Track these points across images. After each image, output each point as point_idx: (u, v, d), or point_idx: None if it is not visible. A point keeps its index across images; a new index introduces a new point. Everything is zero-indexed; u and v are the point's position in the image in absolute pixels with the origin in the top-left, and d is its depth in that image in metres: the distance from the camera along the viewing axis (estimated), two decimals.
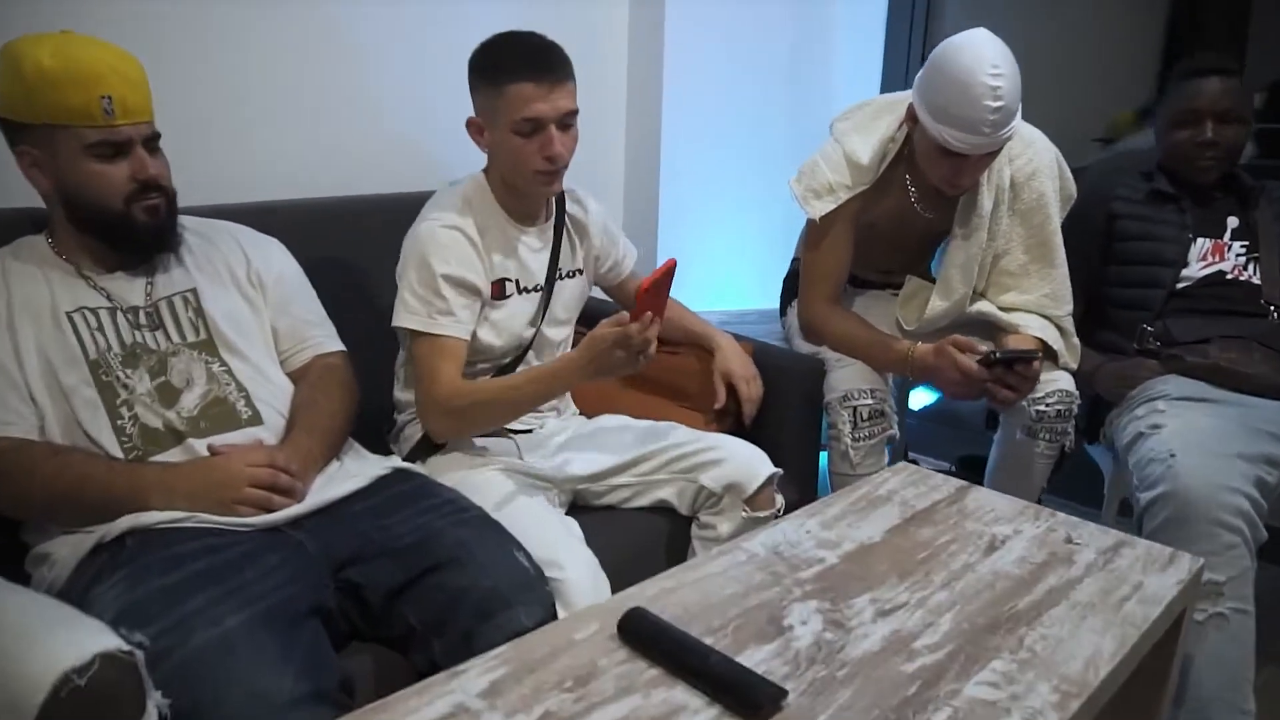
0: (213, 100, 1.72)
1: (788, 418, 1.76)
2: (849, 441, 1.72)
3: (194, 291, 1.34)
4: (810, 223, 1.75)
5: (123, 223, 1.23)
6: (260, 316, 1.39)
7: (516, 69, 1.33)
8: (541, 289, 1.53)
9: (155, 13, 1.62)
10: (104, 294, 1.28)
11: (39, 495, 1.15)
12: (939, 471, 1.39)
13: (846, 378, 1.72)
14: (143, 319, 1.29)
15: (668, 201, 2.45)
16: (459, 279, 1.40)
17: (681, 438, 1.52)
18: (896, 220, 1.80)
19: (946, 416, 2.80)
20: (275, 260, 1.44)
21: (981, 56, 1.47)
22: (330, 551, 1.17)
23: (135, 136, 1.22)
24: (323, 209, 1.75)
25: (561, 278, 1.57)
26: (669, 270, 1.25)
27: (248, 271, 1.40)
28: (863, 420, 1.72)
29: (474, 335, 1.45)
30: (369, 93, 1.91)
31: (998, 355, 1.58)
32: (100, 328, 1.26)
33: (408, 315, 1.40)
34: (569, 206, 1.59)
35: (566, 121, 1.38)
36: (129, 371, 1.25)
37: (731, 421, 1.72)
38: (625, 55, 2.38)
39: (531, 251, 1.52)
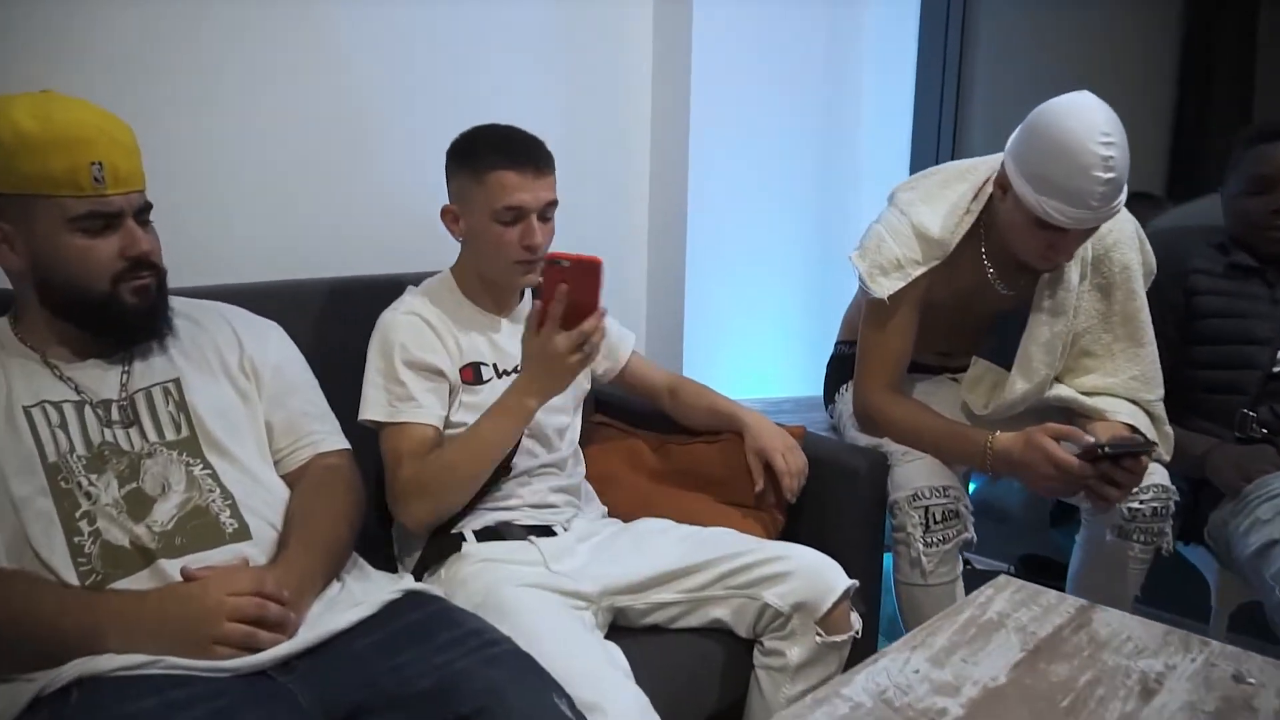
0: (206, 171, 1.58)
1: (845, 519, 1.56)
2: (920, 547, 1.51)
3: (177, 382, 1.15)
4: (872, 303, 1.58)
5: (108, 306, 1.07)
6: (253, 410, 1.20)
7: (499, 157, 1.32)
8: (519, 371, 1.39)
9: (141, 76, 1.48)
10: (71, 385, 1.10)
11: None
12: (996, 572, 1.18)
13: (915, 473, 1.52)
14: (115, 414, 1.10)
15: (694, 279, 2.29)
16: (419, 362, 1.34)
17: (738, 545, 1.32)
18: (966, 297, 1.63)
19: (992, 509, 2.59)
20: (273, 346, 1.26)
21: (1091, 123, 1.33)
22: (328, 702, 0.95)
23: (126, 208, 1.07)
24: (326, 290, 1.58)
25: None
26: (594, 266, 1.18)
27: (240, 358, 1.21)
28: (935, 522, 1.51)
29: (456, 422, 1.35)
30: (374, 168, 1.78)
31: (1107, 449, 1.38)
32: (63, 424, 1.07)
33: (368, 408, 1.33)
34: None
35: (546, 214, 1.36)
36: (93, 477, 1.05)
37: (783, 519, 1.53)
38: (649, 127, 2.26)
39: (506, 337, 1.44)
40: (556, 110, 2.06)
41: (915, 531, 1.51)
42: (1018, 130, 1.45)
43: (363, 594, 1.11)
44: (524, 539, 1.36)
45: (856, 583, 1.30)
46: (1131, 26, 2.41)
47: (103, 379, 1.11)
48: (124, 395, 1.12)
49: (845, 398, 1.81)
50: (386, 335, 1.36)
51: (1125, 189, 1.39)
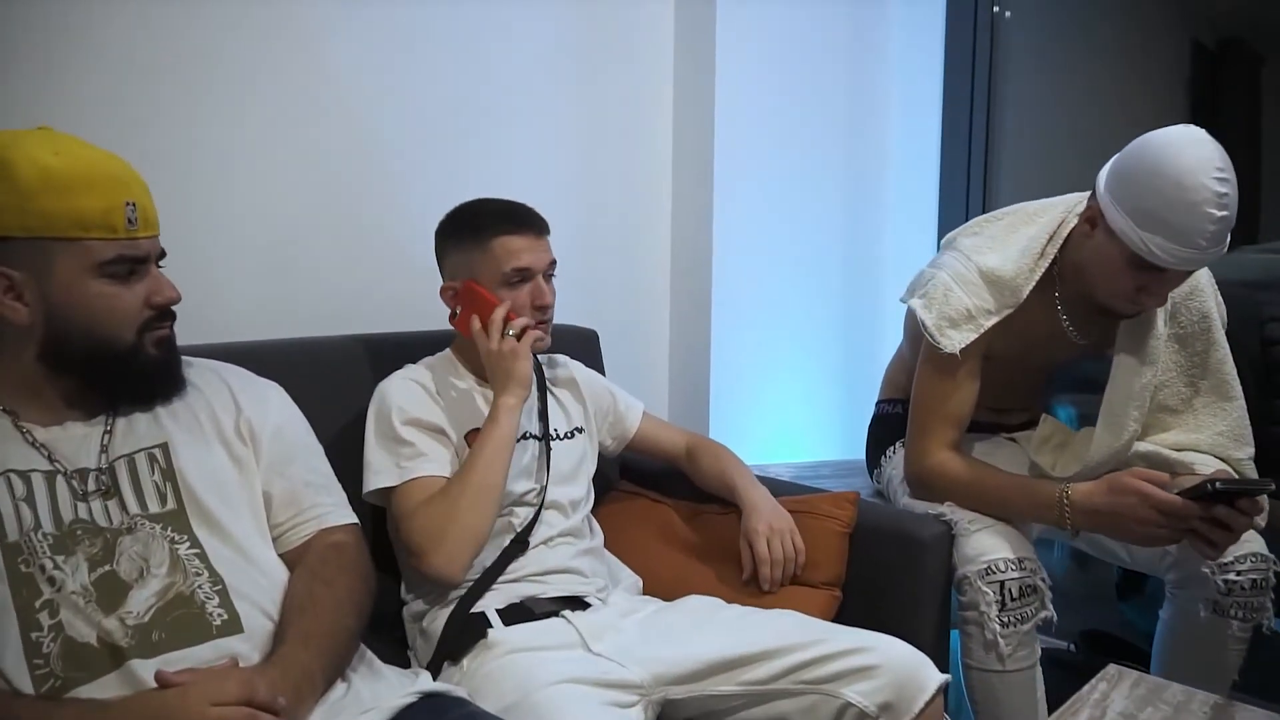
0: (206, 222, 1.47)
1: (907, 595, 1.39)
2: (996, 628, 1.34)
3: (164, 447, 1.01)
4: (932, 357, 1.45)
5: (131, 359, 0.98)
6: (249, 479, 1.06)
7: (503, 223, 1.34)
8: (532, 437, 1.38)
9: (143, 119, 1.39)
10: (44, 452, 0.96)
11: None
12: (1055, 650, 1.01)
13: (987, 544, 1.36)
14: (92, 484, 0.96)
15: (719, 337, 2.17)
16: (419, 420, 1.29)
17: (811, 632, 1.16)
18: (1031, 348, 1.50)
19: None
20: (273, 408, 1.12)
21: (1207, 157, 1.24)
22: None
23: (152, 252, 0.99)
24: (332, 349, 1.46)
25: (559, 437, 1.42)
26: (468, 286, 1.32)
27: (237, 421, 1.07)
28: (1012, 599, 1.35)
29: None
30: (384, 223, 1.69)
31: (1218, 485, 1.20)
32: (29, 498, 0.93)
33: (374, 477, 1.26)
34: (548, 371, 1.50)
35: (550, 273, 1.38)
36: (60, 559, 0.90)
37: (840, 596, 1.38)
38: (670, 175, 2.18)
39: None
40: (575, 165, 2.00)
41: (990, 610, 1.34)
42: (1116, 161, 1.34)
43: (372, 697, 0.95)
44: (555, 614, 1.22)
45: (949, 678, 1.13)
46: (1142, 89, 2.39)
47: (81, 445, 0.98)
48: (104, 462, 0.97)
49: (894, 461, 1.66)
50: (384, 400, 1.31)
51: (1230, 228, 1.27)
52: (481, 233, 1.33)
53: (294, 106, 1.57)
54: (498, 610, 1.21)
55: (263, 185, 1.55)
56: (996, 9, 2.44)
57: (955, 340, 1.40)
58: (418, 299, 1.52)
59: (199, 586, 0.94)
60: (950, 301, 1.42)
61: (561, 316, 1.74)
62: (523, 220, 1.35)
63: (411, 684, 0.98)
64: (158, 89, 1.43)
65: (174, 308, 1.01)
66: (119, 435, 1.00)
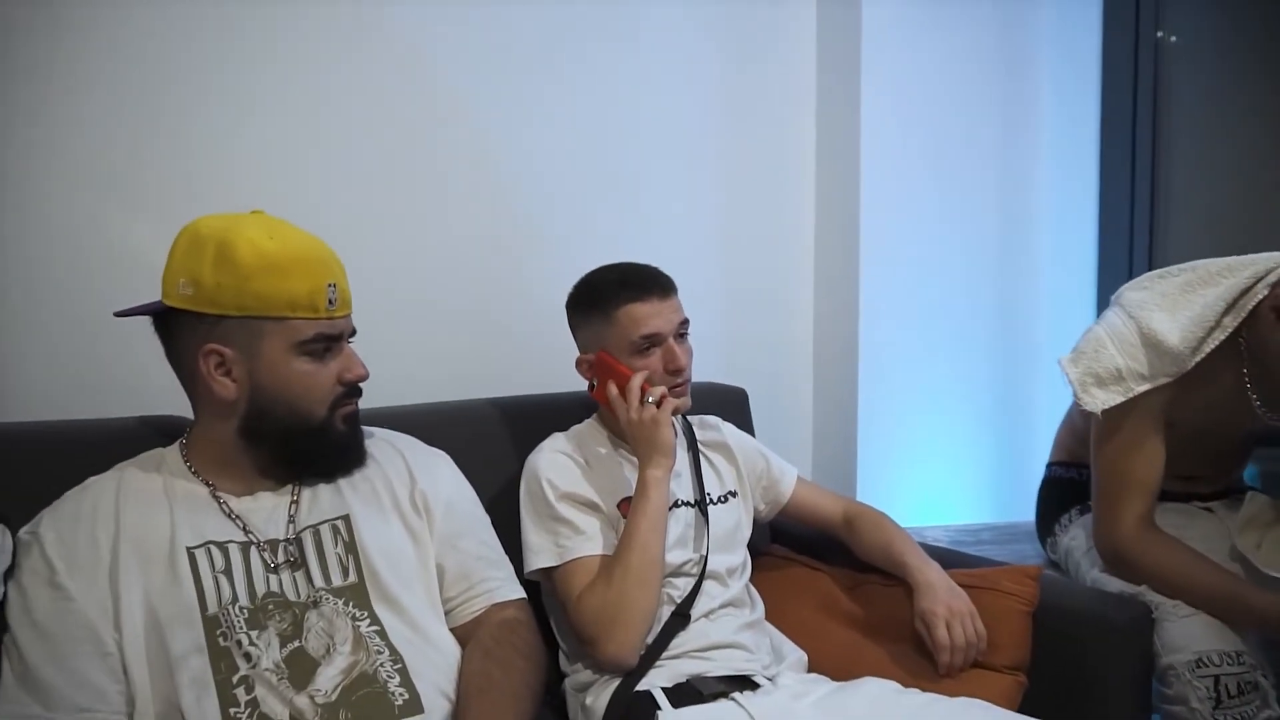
0: (363, 287, 1.52)
1: (1098, 682, 1.27)
2: None
3: (346, 519, 1.03)
4: (1111, 421, 1.34)
5: (323, 434, 1.03)
6: (424, 552, 1.07)
7: (625, 291, 1.32)
8: (685, 505, 1.35)
9: (312, 195, 1.48)
10: (239, 524, 1.00)
11: None
12: None
13: (1198, 633, 1.24)
14: (281, 555, 0.99)
15: (866, 392, 2.09)
16: (573, 495, 1.28)
17: None
18: (1219, 424, 1.38)
19: None
20: (444, 480, 1.14)
21: None
22: None
23: (346, 330, 1.05)
24: (488, 411, 1.48)
25: (713, 502, 1.39)
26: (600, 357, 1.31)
27: (412, 493, 1.09)
28: (1229, 696, 1.21)
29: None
30: (536, 286, 1.69)
31: None
32: (227, 570, 0.96)
33: (534, 557, 1.25)
34: (699, 433, 1.47)
35: (682, 331, 1.35)
36: (254, 634, 0.93)
37: (1026, 681, 1.27)
38: (813, 228, 2.14)
39: None
40: (716, 221, 2.00)
41: (1202, 707, 1.21)
42: None
43: None
44: (724, 695, 1.17)
45: None
46: None
47: (270, 515, 1.01)
48: (291, 533, 1.01)
49: (1073, 531, 1.54)
50: (535, 476, 1.30)
51: None
52: (605, 304, 1.32)
53: (435, 173, 1.63)
54: (664, 689, 1.17)
55: (405, 251, 1.60)
56: (1160, 34, 2.29)
57: (1100, 400, 1.31)
58: (561, 358, 1.53)
59: (381, 665, 0.95)
60: (1100, 359, 1.32)
61: (704, 374, 1.73)
62: (644, 284, 1.32)
63: None
64: (309, 160, 1.51)
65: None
66: (305, 506, 1.03)
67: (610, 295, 1.32)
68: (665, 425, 1.25)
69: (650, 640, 1.22)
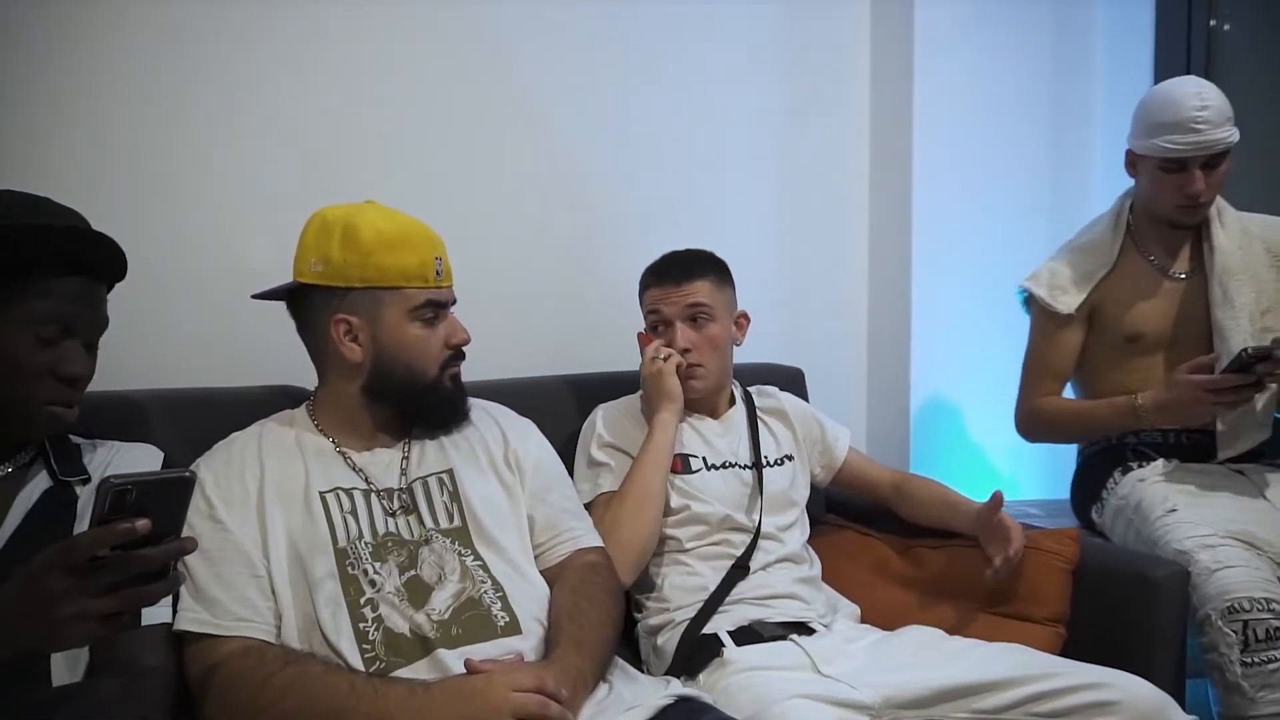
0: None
1: (1138, 635, 1.35)
2: (1238, 670, 1.29)
3: (450, 473, 1.18)
4: (1038, 319, 1.73)
5: (434, 392, 1.17)
6: (517, 504, 1.21)
7: (646, 276, 1.51)
8: (737, 466, 1.47)
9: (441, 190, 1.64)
10: (361, 475, 1.15)
11: (266, 710, 0.96)
12: None
13: (1233, 582, 1.32)
14: (396, 502, 1.14)
15: (919, 369, 2.17)
16: (618, 445, 1.43)
17: (1044, 665, 1.17)
18: (1149, 304, 1.67)
19: None
20: (533, 443, 1.29)
21: (1180, 79, 1.63)
22: None
23: (450, 299, 1.19)
24: (564, 386, 1.62)
25: (770, 464, 1.50)
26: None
27: (505, 453, 1.24)
28: (1257, 640, 1.29)
29: (675, 505, 1.42)
30: (609, 274, 1.81)
31: (1250, 352, 1.44)
32: (354, 511, 1.11)
33: (577, 494, 1.37)
34: (758, 400, 1.58)
35: (694, 315, 1.46)
36: (377, 565, 1.08)
37: (1065, 633, 1.36)
38: (866, 220, 2.22)
39: (715, 435, 1.51)
40: (776, 210, 2.09)
41: (1230, 652, 1.30)
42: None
43: (633, 697, 1.06)
44: (784, 638, 1.28)
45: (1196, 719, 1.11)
46: None
47: (386, 468, 1.16)
48: (404, 483, 1.15)
49: (1121, 491, 1.63)
50: (590, 426, 1.48)
51: (1230, 129, 1.56)
52: (640, 287, 1.52)
53: (517, 168, 1.77)
54: (729, 632, 1.29)
55: (494, 240, 1.74)
56: (1214, 22, 2.31)
57: (1067, 304, 1.68)
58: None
59: (484, 593, 1.09)
60: (1056, 276, 1.71)
61: (763, 355, 1.84)
62: (661, 270, 1.49)
63: (665, 688, 1.09)
64: (409, 159, 1.67)
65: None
66: (414, 461, 1.18)
67: (642, 280, 1.52)
68: (669, 375, 1.41)
69: (712, 589, 1.34)
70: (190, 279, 1.51)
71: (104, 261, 1.00)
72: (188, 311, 1.51)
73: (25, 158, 1.40)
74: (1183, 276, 1.67)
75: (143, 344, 1.40)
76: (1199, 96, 1.54)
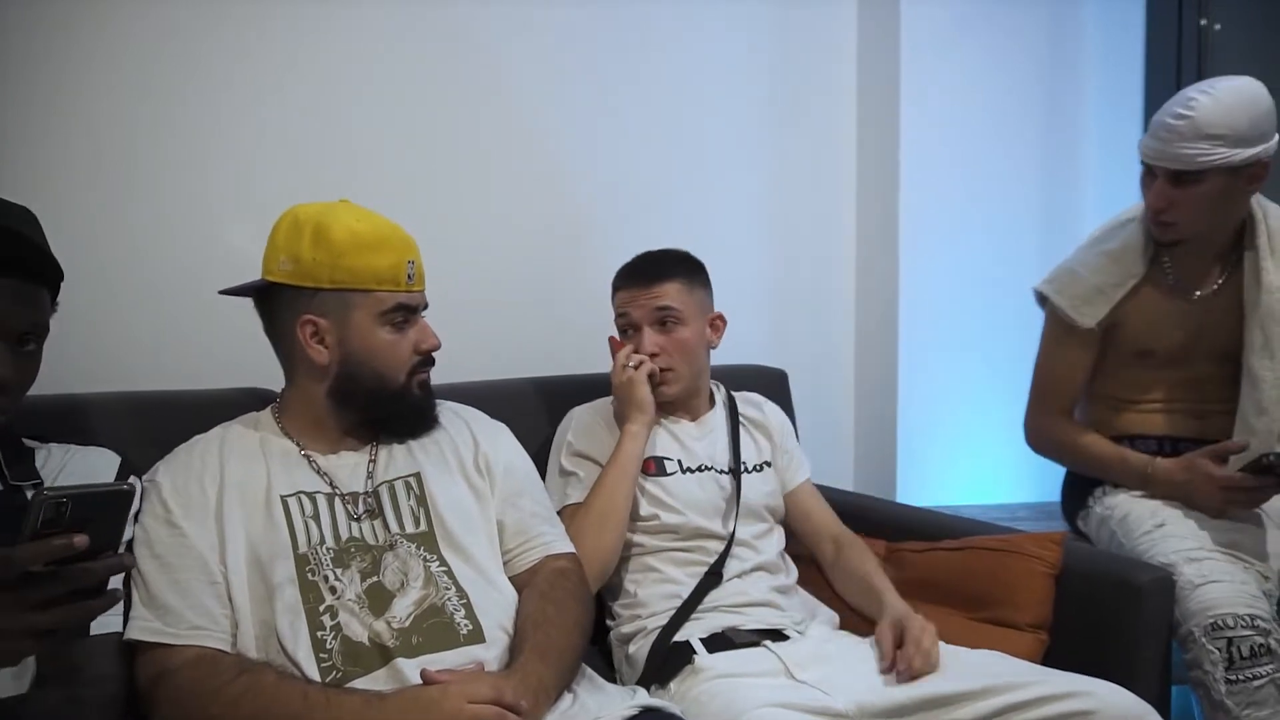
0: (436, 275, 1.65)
1: (1121, 643, 1.33)
2: (1224, 688, 1.27)
3: (418, 476, 1.16)
4: (1052, 330, 1.62)
5: (401, 398, 1.14)
6: (486, 509, 1.19)
7: (618, 277, 1.48)
8: (714, 470, 1.44)
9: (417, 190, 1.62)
10: (326, 479, 1.13)
11: None
12: None
13: (1217, 598, 1.29)
14: (361, 506, 1.11)
15: (907, 371, 2.15)
16: (588, 454, 1.41)
17: (1021, 674, 1.14)
18: (1165, 322, 1.55)
19: None
20: (504, 447, 1.26)
21: (1198, 84, 1.45)
22: None
23: (421, 304, 1.17)
24: (538, 389, 1.60)
25: (749, 470, 1.47)
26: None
27: (476, 457, 1.21)
28: (1241, 658, 1.27)
29: (645, 514, 1.39)
30: (586, 273, 1.80)
31: (1272, 459, 1.37)
32: (315, 516, 1.09)
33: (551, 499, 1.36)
34: (740, 406, 1.55)
35: (660, 319, 1.42)
36: (339, 571, 1.05)
37: (1048, 640, 1.34)
38: (853, 221, 2.20)
39: (691, 438, 1.48)
40: (761, 212, 2.08)
41: (1214, 670, 1.27)
42: None
43: (597, 707, 1.04)
44: (757, 644, 1.26)
45: None
46: None
47: (352, 472, 1.14)
48: (369, 487, 1.13)
49: (1107, 501, 1.59)
50: (562, 433, 1.45)
51: (1220, 148, 1.40)
52: (612, 288, 1.48)
53: (497, 168, 1.75)
54: (701, 639, 1.27)
55: (469, 242, 1.72)
56: (1204, 21, 2.29)
57: (1089, 316, 1.55)
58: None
59: (448, 600, 1.07)
60: (1077, 283, 1.57)
61: (748, 357, 1.81)
62: (629, 273, 1.46)
63: (631, 698, 1.07)
64: (386, 159, 1.65)
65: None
66: (381, 464, 1.16)
67: (614, 282, 1.48)
68: (640, 384, 1.38)
69: (685, 596, 1.32)
70: (170, 277, 1.50)
71: (33, 263, 0.95)
72: (171, 310, 1.50)
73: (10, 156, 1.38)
74: (1199, 294, 1.55)
75: (126, 344, 1.41)
76: (1188, 104, 1.41)
